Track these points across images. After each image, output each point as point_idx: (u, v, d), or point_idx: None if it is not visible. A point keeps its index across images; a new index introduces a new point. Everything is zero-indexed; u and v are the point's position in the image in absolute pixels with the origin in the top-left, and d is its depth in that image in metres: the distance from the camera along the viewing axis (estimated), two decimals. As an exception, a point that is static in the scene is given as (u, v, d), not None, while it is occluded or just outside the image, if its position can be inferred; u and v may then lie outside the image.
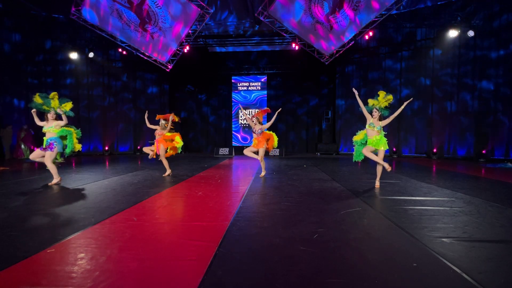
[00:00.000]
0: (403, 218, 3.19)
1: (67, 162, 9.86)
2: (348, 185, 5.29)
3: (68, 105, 5.39)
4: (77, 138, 5.44)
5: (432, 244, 2.44)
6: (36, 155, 5.22)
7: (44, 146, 5.14)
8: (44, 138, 5.21)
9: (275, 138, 6.55)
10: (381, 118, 5.01)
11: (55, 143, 5.13)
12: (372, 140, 4.92)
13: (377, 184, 5.09)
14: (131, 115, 13.88)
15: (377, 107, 4.96)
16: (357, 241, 2.54)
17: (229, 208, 3.68)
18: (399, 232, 2.76)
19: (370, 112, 5.04)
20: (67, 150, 5.30)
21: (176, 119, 6.64)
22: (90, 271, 1.98)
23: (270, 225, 2.98)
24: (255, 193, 4.64)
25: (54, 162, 5.21)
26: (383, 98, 4.96)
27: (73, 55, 12.08)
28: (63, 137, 5.32)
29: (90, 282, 1.85)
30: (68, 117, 5.34)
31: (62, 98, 5.40)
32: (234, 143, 14.79)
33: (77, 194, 4.47)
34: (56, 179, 5.24)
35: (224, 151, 13.05)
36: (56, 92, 5.36)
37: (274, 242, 2.51)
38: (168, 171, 6.50)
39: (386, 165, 4.75)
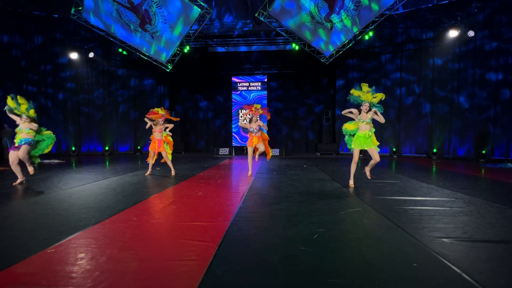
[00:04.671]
0: (403, 218, 3.18)
1: (67, 162, 9.87)
2: (348, 185, 5.28)
3: (31, 112, 5.46)
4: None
5: (432, 244, 2.44)
6: (14, 158, 5.20)
7: (16, 145, 5.19)
8: (16, 136, 5.26)
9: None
10: (369, 109, 4.98)
11: (29, 140, 5.25)
12: (361, 135, 4.91)
13: (368, 173, 5.26)
14: (131, 115, 13.89)
15: (369, 102, 4.95)
16: (357, 241, 2.54)
17: (229, 208, 3.68)
18: (399, 232, 2.75)
19: (358, 106, 5.02)
20: (39, 151, 5.46)
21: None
22: (90, 271, 1.98)
23: (270, 225, 2.98)
24: (255, 193, 4.64)
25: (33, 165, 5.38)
26: (368, 93, 4.98)
27: (73, 55, 12.08)
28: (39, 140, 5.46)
29: (90, 282, 1.85)
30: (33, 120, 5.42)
31: (29, 103, 5.46)
32: (234, 143, 14.78)
33: (77, 194, 4.47)
34: (20, 179, 5.30)
35: (224, 151, 13.05)
36: (22, 98, 5.43)
37: (274, 242, 2.51)
38: (149, 171, 6.60)
39: (368, 172, 5.24)
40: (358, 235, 2.69)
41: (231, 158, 11.89)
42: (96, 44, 12.68)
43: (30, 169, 5.35)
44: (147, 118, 6.48)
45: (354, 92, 5.13)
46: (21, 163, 5.28)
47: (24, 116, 5.29)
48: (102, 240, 2.55)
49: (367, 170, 5.26)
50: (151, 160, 6.55)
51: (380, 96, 5.01)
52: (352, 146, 5.07)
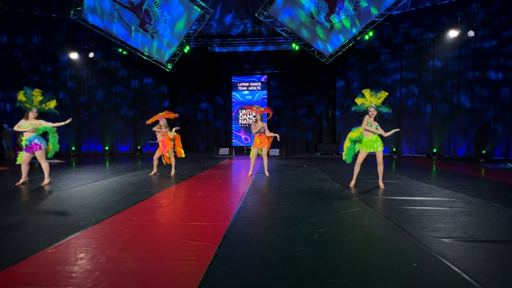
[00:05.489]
0: (403, 218, 3.18)
1: (67, 162, 9.86)
2: (348, 185, 5.28)
3: (52, 103, 5.36)
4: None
5: (432, 244, 2.44)
6: (26, 158, 5.16)
7: (28, 146, 5.07)
8: (22, 137, 5.13)
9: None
10: (376, 118, 4.96)
11: (37, 141, 5.10)
12: (368, 140, 4.91)
13: (381, 184, 5.02)
14: (131, 115, 13.89)
15: (374, 106, 4.91)
16: (357, 241, 2.54)
17: (229, 208, 3.68)
18: (399, 232, 2.75)
19: (366, 112, 4.99)
20: (51, 152, 5.32)
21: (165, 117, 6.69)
22: (90, 271, 1.98)
23: (270, 225, 2.98)
24: (255, 193, 4.64)
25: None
26: (371, 97, 4.93)
27: (73, 55, 12.07)
28: (42, 134, 5.28)
29: (90, 282, 1.85)
30: (53, 114, 5.37)
31: (46, 95, 5.34)
32: (234, 143, 14.79)
33: (77, 194, 4.47)
34: (47, 179, 5.23)
35: (224, 151, 13.05)
36: (40, 90, 5.28)
37: (274, 242, 2.51)
38: (155, 170, 6.58)
39: (381, 184, 4.98)
40: (358, 235, 2.69)
41: (231, 158, 11.89)
42: (96, 44, 12.67)
43: (46, 181, 5.21)
44: (155, 130, 6.46)
45: (358, 100, 5.08)
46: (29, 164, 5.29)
47: (34, 111, 5.14)
48: (102, 240, 2.55)
49: (381, 182, 5.07)
50: (155, 161, 6.57)
51: (384, 95, 4.96)
52: (361, 150, 4.98)
